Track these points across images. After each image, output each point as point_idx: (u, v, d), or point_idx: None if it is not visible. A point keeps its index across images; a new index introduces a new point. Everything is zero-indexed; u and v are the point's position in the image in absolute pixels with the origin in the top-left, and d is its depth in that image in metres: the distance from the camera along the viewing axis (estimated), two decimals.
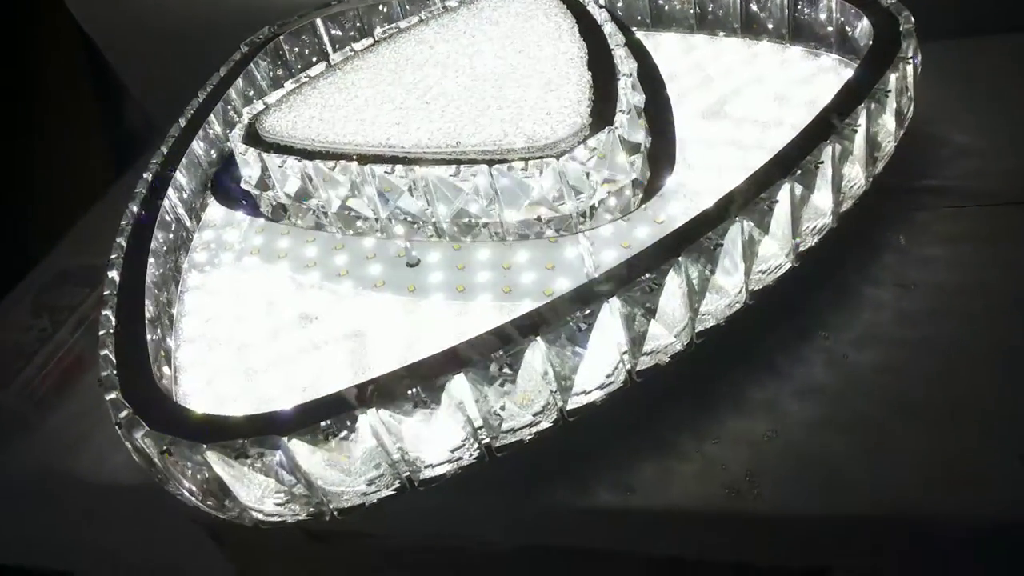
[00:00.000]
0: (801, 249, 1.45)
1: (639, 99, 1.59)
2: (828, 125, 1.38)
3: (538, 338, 1.20)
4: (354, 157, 1.55)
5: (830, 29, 1.81)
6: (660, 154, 1.56)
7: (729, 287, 1.36)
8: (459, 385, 1.19)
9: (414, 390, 1.17)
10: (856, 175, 1.52)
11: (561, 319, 1.21)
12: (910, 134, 1.66)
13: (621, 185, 1.47)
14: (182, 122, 2.09)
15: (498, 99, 1.56)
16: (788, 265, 1.43)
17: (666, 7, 2.05)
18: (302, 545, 1.51)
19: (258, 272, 1.77)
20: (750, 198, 1.30)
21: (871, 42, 1.59)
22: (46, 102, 2.81)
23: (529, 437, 1.32)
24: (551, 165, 1.41)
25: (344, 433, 1.17)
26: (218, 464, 1.21)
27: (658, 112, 1.62)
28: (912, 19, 1.59)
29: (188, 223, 1.97)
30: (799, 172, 1.34)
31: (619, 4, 2.11)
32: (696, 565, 1.36)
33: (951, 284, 1.49)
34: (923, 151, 1.75)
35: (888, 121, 1.54)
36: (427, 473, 1.29)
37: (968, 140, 1.78)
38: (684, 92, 1.86)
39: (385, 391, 1.17)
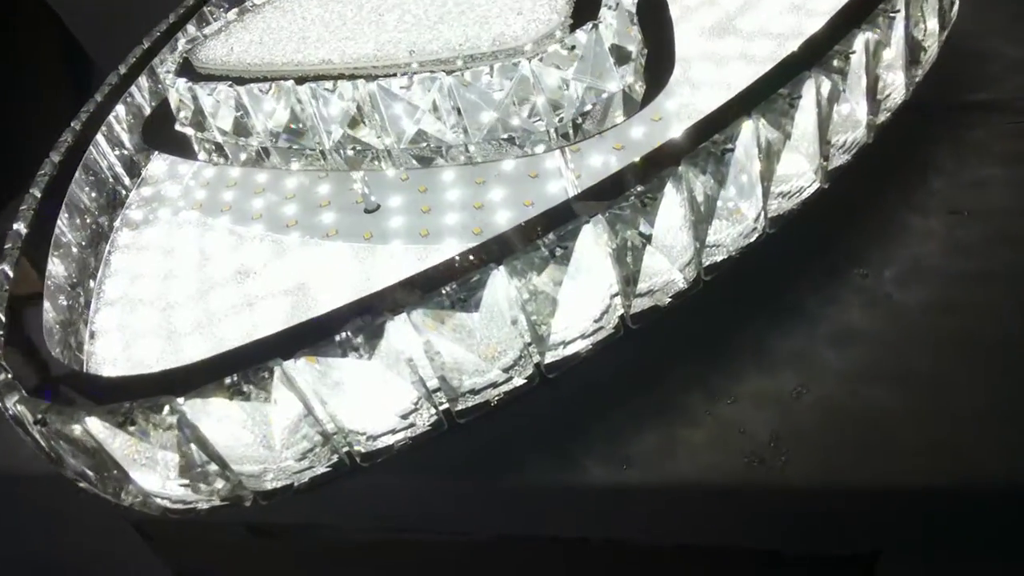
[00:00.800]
0: (831, 167, 1.18)
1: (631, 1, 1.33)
2: (861, 9, 1.12)
3: (501, 268, 0.94)
4: (291, 79, 1.29)
5: None
6: (656, 69, 1.30)
7: (744, 209, 1.10)
8: (402, 330, 0.94)
9: (343, 334, 0.92)
10: (895, 82, 1.26)
11: (530, 244, 0.96)
12: (955, 48, 1.39)
13: (608, 96, 1.21)
14: (122, 69, 1.84)
15: (462, 2, 1.31)
16: (816, 186, 1.17)
17: None
18: (240, 540, 1.26)
19: (195, 227, 1.53)
20: (767, 93, 1.04)
21: None
22: None
23: (498, 399, 1.06)
24: (521, 70, 1.15)
25: (255, 392, 0.92)
26: (104, 435, 0.96)
27: (654, 16, 1.35)
28: None
29: (127, 180, 1.72)
30: (826, 64, 1.08)
31: None
32: (710, 553, 1.10)
33: (1009, 209, 1.22)
34: (971, 65, 1.48)
35: (929, 16, 1.27)
36: (371, 445, 1.04)
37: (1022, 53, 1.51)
38: (688, 7, 1.60)
39: (304, 337, 0.92)
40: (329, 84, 1.27)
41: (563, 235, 0.96)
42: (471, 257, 0.96)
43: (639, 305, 1.09)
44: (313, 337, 0.92)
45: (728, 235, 1.12)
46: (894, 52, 1.22)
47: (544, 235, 0.96)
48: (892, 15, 1.16)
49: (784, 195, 1.15)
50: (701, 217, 1.06)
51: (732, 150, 1.02)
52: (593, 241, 0.99)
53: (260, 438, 0.99)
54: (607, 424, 1.13)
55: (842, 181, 1.22)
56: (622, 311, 1.08)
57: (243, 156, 1.43)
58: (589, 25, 1.18)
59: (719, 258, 1.13)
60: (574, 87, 1.20)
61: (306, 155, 1.37)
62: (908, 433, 1.02)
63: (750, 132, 1.03)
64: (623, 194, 0.98)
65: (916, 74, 1.30)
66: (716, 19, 1.57)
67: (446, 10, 1.32)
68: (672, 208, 1.01)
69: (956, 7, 1.38)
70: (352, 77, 1.27)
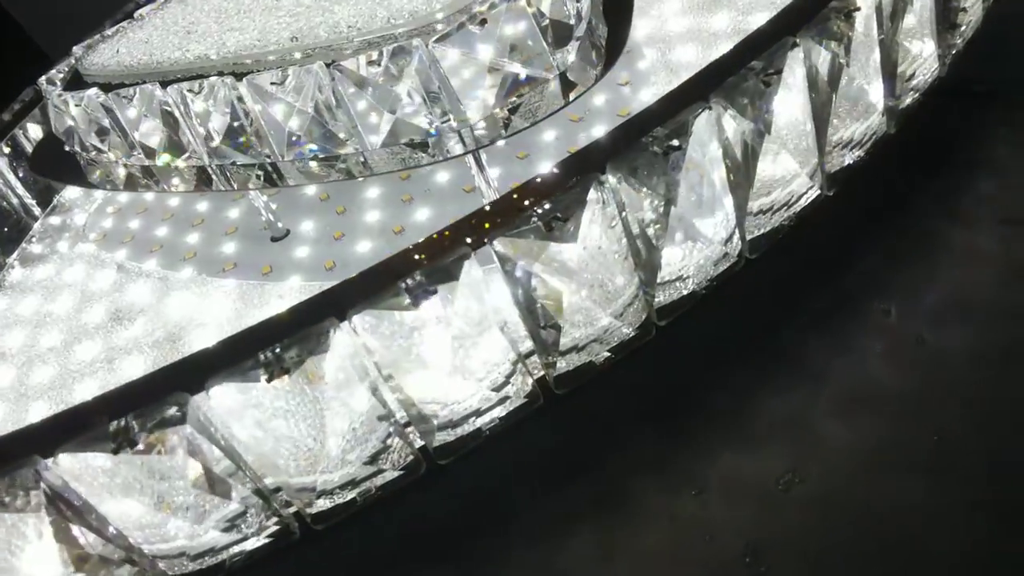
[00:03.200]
0: (834, 168, 0.88)
1: None
2: None
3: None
4: (159, 80, 1.05)
5: None
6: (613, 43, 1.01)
7: (709, 230, 0.80)
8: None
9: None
10: (923, 53, 0.94)
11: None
12: (1005, 12, 1.08)
13: (541, 84, 0.92)
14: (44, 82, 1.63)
15: None
16: (814, 193, 0.87)
17: None
18: None
19: (87, 264, 1.31)
20: (731, 71, 0.75)
21: None
22: None
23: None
24: (418, 55, 0.88)
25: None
26: None
27: None
28: None
29: (36, 209, 1.51)
30: (820, 27, 0.78)
31: None
32: None
33: None
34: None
35: None
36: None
37: None
38: None
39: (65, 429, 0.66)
40: (194, 85, 1.02)
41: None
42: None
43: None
44: (73, 430, 0.66)
45: (692, 262, 0.83)
46: (920, 13, 0.91)
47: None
48: None
49: (767, 211, 0.85)
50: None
51: (677, 149, 0.73)
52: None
53: None
54: (530, 520, 0.84)
55: (853, 185, 0.92)
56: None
57: (122, 175, 1.19)
58: None
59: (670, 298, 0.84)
60: (491, 74, 0.92)
61: (184, 172, 1.12)
62: (941, 541, 0.71)
63: (706, 125, 0.74)
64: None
65: (954, 43, 0.98)
66: None
67: None
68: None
69: None
70: (221, 74, 1.01)
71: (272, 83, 0.96)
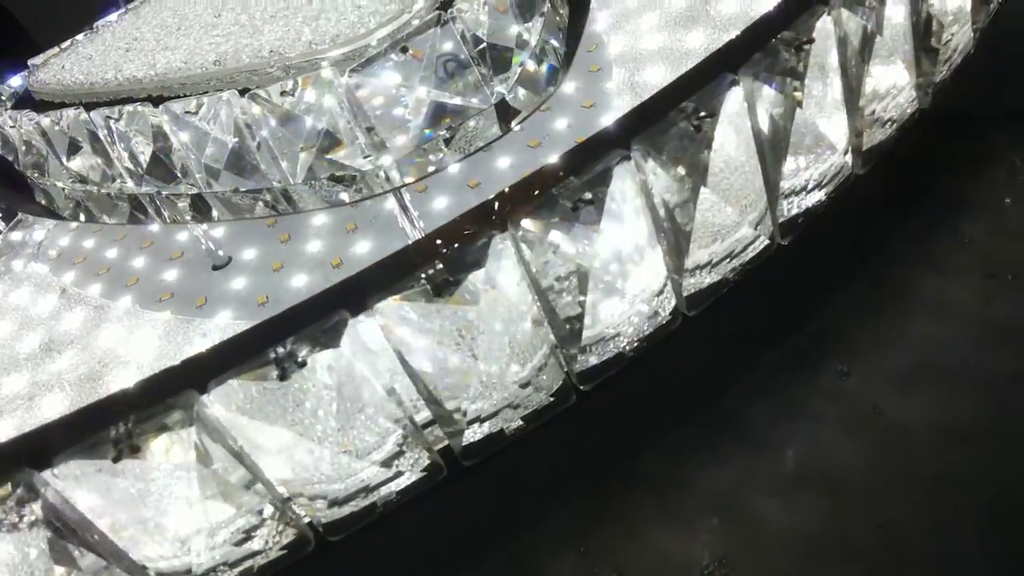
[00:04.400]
0: (789, 213, 0.80)
1: None
2: None
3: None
4: (81, 103, 1.00)
5: None
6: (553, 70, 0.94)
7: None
8: None
9: None
10: (899, 82, 0.85)
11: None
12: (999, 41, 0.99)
13: (474, 113, 0.85)
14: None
15: (306, 2, 0.98)
16: (761, 244, 0.79)
17: None
18: None
19: (33, 287, 1.26)
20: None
21: None
22: None
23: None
24: (334, 84, 0.81)
25: None
26: None
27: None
28: None
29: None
30: (767, 63, 0.70)
31: None
32: None
33: None
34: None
35: None
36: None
37: None
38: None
39: None
40: (115, 111, 0.96)
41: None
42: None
43: None
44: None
45: (621, 320, 0.75)
46: (892, 41, 0.82)
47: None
48: None
49: (706, 265, 0.76)
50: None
51: (589, 202, 0.65)
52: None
53: None
54: None
55: (816, 230, 0.83)
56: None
57: (62, 200, 1.14)
58: (432, 14, 0.82)
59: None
60: (417, 105, 0.84)
61: (116, 201, 1.06)
62: None
63: (626, 175, 0.66)
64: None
65: (934, 71, 0.89)
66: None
67: (289, 4, 0.99)
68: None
69: None
70: (139, 99, 0.96)
71: (187, 111, 0.90)
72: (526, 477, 0.81)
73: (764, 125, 0.73)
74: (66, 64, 1.18)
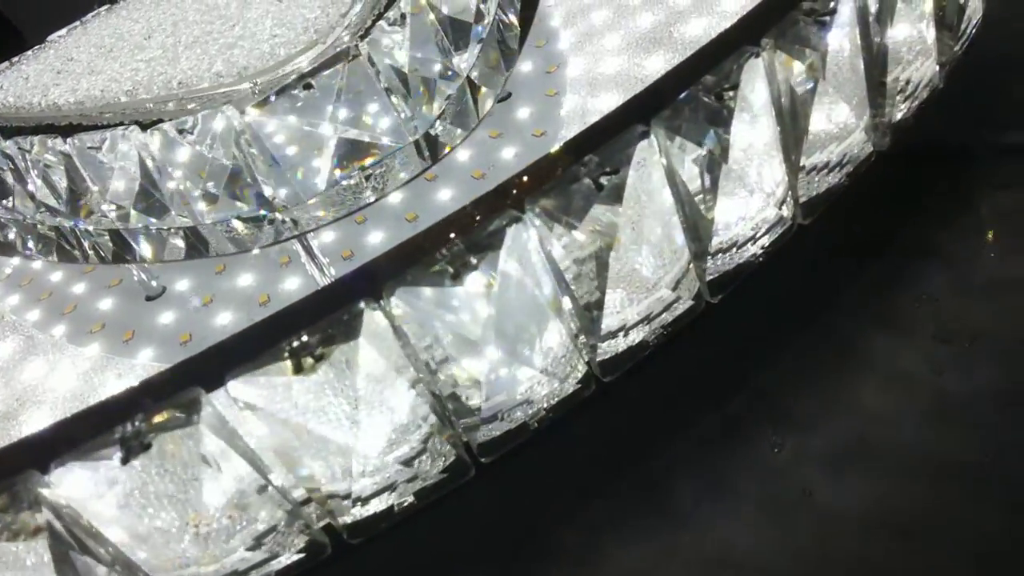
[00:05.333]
0: (718, 270, 0.74)
1: (470, 9, 0.91)
2: None
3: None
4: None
5: None
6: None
7: None
8: None
9: None
10: (849, 123, 0.78)
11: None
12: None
13: (379, 160, 0.80)
14: None
15: (236, 18, 0.93)
16: (685, 305, 0.72)
17: None
18: None
19: None
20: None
21: None
22: None
23: None
24: (234, 122, 0.76)
25: None
26: None
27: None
28: None
29: None
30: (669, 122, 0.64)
31: None
32: None
33: None
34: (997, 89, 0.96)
35: None
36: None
37: None
38: (620, 10, 1.18)
39: None
40: (25, 141, 0.92)
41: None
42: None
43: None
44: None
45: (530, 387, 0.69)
46: (838, 78, 0.75)
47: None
48: None
49: (621, 329, 0.70)
50: None
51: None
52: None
53: None
54: None
55: (751, 286, 0.76)
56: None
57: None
58: (344, 52, 0.77)
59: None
60: (322, 142, 0.79)
61: (39, 232, 1.02)
62: None
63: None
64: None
65: (889, 109, 0.81)
66: (649, 25, 1.12)
67: (212, 28, 0.95)
68: None
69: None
70: (51, 128, 0.91)
71: (90, 147, 0.85)
72: (429, 550, 0.76)
73: (686, 177, 0.67)
74: (4, 83, 1.15)
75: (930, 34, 0.81)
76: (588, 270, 0.65)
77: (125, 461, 0.57)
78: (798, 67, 0.70)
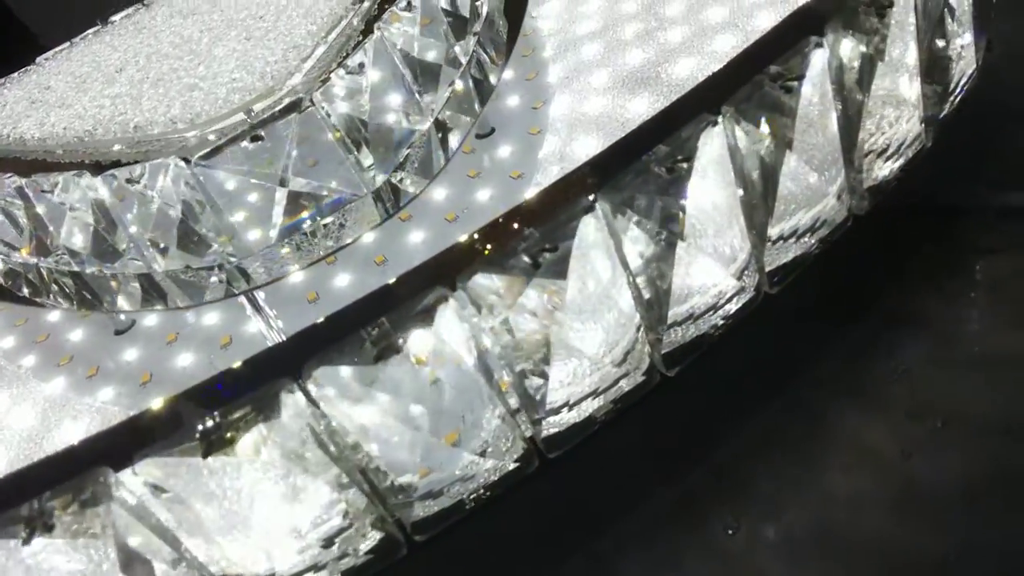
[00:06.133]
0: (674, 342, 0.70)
1: (441, 50, 0.88)
2: None
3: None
4: None
5: None
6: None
7: None
8: None
9: None
10: (825, 191, 0.74)
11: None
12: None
13: (329, 212, 0.77)
14: None
15: (204, 55, 0.91)
16: (635, 379, 0.69)
17: None
18: None
19: None
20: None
21: None
22: None
23: None
24: (181, 172, 0.73)
25: None
26: None
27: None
28: None
29: None
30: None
31: None
32: None
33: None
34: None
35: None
36: None
37: None
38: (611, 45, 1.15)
39: None
40: None
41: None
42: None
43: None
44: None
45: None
46: (815, 139, 0.71)
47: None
48: None
49: (564, 405, 0.67)
50: None
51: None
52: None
53: None
54: None
55: (712, 345, 0.73)
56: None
57: None
58: (295, 103, 0.74)
59: None
60: (273, 195, 0.77)
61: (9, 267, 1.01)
62: None
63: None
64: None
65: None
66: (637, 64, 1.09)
67: (179, 65, 0.93)
68: None
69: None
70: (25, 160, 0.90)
71: (43, 190, 0.83)
72: None
73: (636, 250, 0.64)
74: None
75: (914, 91, 0.77)
76: (530, 344, 0.62)
77: (27, 542, 0.55)
78: (764, 131, 0.67)
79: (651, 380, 0.69)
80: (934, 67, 0.78)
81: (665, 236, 0.64)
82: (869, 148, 0.75)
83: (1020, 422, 0.68)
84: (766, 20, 1.10)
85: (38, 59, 1.34)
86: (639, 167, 0.61)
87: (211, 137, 0.75)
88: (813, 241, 0.75)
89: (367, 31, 0.83)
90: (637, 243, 0.63)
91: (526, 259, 0.58)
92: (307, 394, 0.56)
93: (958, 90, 0.83)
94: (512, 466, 0.66)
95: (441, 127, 0.89)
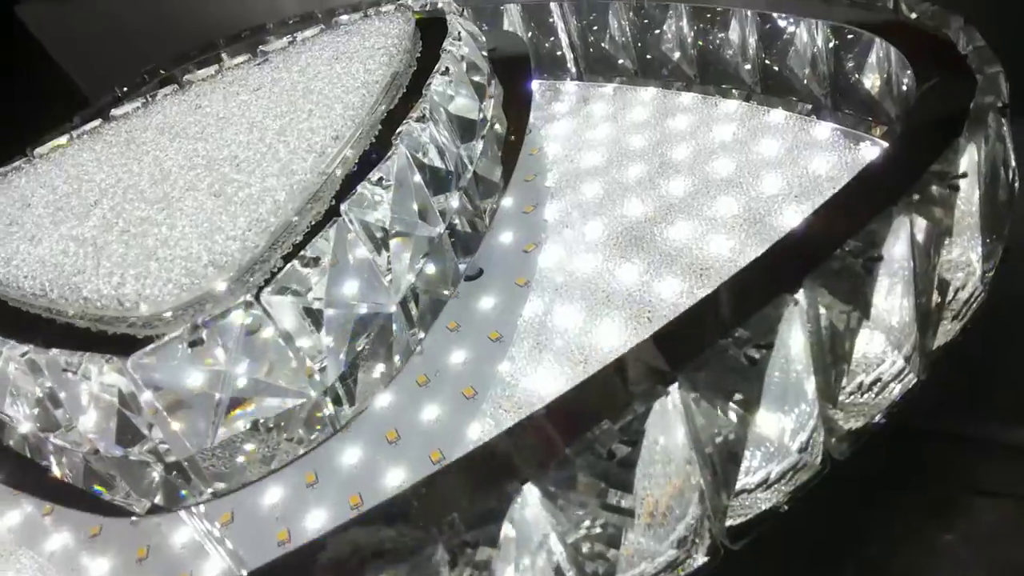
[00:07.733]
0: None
1: (428, 232, 0.84)
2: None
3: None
4: None
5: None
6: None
7: None
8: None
9: None
10: (799, 429, 0.69)
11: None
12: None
13: (303, 406, 0.73)
14: None
15: (174, 208, 0.88)
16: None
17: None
18: None
19: None
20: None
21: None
22: None
23: None
24: (105, 366, 0.70)
25: None
26: None
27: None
28: None
29: None
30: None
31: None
32: None
33: None
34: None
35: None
36: None
37: None
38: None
39: None
40: None
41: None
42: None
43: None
44: None
45: None
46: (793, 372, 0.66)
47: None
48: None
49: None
50: None
51: None
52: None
53: None
54: None
55: None
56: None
57: None
58: (240, 304, 0.70)
59: None
60: (212, 399, 0.72)
61: None
62: None
63: None
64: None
65: (843, 425, 0.71)
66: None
67: (147, 217, 0.89)
68: None
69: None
70: None
71: None
72: None
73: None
74: None
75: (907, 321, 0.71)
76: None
77: None
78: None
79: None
80: (928, 305, 0.72)
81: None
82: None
83: None
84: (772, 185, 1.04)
85: (34, 151, 1.30)
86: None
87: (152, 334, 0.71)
88: (780, 496, 0.69)
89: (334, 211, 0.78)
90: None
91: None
92: None
93: (961, 315, 0.77)
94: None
95: (407, 316, 0.84)
